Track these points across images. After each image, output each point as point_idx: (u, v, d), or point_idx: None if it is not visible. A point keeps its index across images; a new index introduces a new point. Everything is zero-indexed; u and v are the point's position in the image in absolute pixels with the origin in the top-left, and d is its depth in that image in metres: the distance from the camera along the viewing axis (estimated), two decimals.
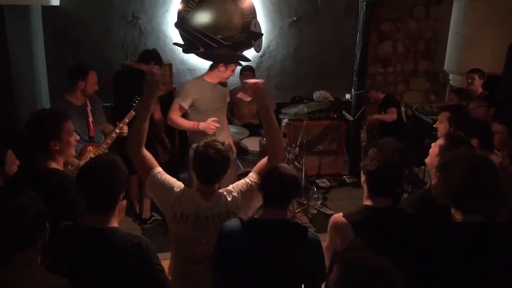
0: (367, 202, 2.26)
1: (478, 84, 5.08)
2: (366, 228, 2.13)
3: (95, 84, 3.81)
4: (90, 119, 3.83)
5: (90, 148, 3.71)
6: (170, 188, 2.41)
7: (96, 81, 3.82)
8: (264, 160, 2.53)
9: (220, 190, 2.46)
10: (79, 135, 3.68)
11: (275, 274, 2.06)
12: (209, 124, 3.86)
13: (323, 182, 5.90)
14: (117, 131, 3.77)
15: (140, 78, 4.45)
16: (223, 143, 2.40)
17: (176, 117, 3.96)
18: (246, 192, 2.45)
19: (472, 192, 1.89)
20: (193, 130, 3.93)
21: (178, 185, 2.44)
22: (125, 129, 3.79)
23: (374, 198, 2.23)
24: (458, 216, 1.97)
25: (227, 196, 2.43)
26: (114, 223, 2.00)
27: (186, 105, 3.98)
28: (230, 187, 2.49)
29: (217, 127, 3.89)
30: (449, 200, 1.97)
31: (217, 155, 2.32)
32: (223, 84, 4.25)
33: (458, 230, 1.94)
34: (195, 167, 2.40)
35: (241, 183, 2.49)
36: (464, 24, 6.19)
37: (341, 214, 2.23)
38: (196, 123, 3.90)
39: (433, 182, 2.06)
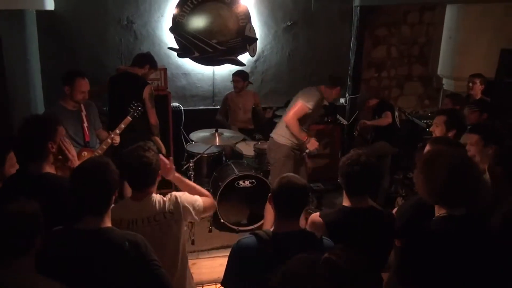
0: (345, 203, 2.37)
1: (478, 89, 5.07)
2: (340, 228, 2.23)
3: (84, 93, 3.75)
4: (85, 124, 3.82)
5: (85, 153, 3.70)
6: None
7: (86, 89, 3.75)
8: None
9: (156, 195, 2.45)
10: (73, 140, 3.70)
11: None
12: (315, 144, 4.29)
13: (318, 186, 5.90)
14: (113, 136, 3.76)
15: (134, 82, 4.46)
16: (147, 147, 2.40)
17: (297, 122, 4.21)
18: (190, 204, 2.48)
19: (456, 186, 1.94)
20: (301, 139, 4.28)
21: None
22: (117, 139, 3.80)
23: (351, 198, 2.35)
24: (441, 212, 2.02)
25: (163, 199, 2.43)
26: (108, 224, 2.02)
27: (311, 106, 4.21)
28: (172, 193, 2.49)
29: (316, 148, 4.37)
30: (434, 197, 2.02)
31: (138, 163, 2.33)
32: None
33: (443, 223, 1.98)
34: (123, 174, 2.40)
35: (189, 196, 2.52)
36: (457, 29, 6.23)
37: (318, 213, 2.35)
38: (308, 137, 4.27)
39: (416, 182, 2.11)
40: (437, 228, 1.98)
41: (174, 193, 2.49)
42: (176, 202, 2.43)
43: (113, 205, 2.37)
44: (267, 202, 4.44)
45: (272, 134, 4.47)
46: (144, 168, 2.34)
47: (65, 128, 3.61)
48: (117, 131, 3.79)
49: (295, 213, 2.17)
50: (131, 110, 3.85)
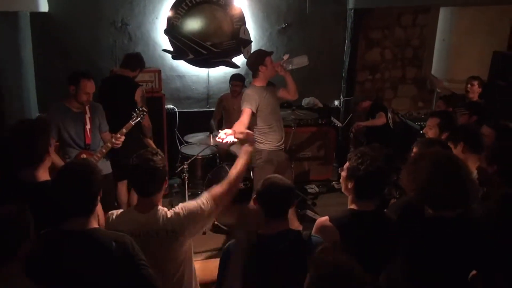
0: (352, 206, 2.30)
1: (476, 92, 5.05)
2: (352, 232, 2.16)
3: (89, 94, 3.70)
4: (88, 126, 3.77)
5: (84, 155, 3.68)
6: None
7: (91, 91, 3.72)
8: (220, 188, 2.53)
9: (163, 208, 2.40)
10: (74, 141, 3.68)
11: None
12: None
13: (312, 188, 5.91)
14: (114, 141, 3.71)
15: (126, 85, 4.44)
16: (155, 151, 2.37)
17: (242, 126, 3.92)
18: (194, 214, 2.37)
19: (437, 187, 1.92)
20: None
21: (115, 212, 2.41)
22: (119, 141, 3.74)
23: (360, 202, 2.27)
24: (429, 213, 1.99)
25: (168, 214, 2.36)
26: (95, 224, 2.01)
27: (254, 108, 4.05)
28: (177, 207, 2.42)
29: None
30: (417, 195, 1.99)
31: (145, 165, 2.28)
32: (272, 83, 4.31)
33: (428, 224, 1.96)
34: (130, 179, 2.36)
35: (191, 204, 2.42)
36: (451, 32, 6.26)
37: (327, 217, 2.26)
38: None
39: (402, 180, 2.09)
40: (425, 229, 1.96)
41: (177, 208, 2.39)
42: (178, 219, 2.34)
43: (116, 213, 2.37)
44: (250, 202, 4.35)
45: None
46: (151, 172, 2.29)
47: (66, 129, 3.67)
48: (118, 135, 3.74)
49: (280, 213, 2.18)
50: (135, 115, 3.80)
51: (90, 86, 3.71)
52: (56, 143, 3.65)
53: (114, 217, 2.36)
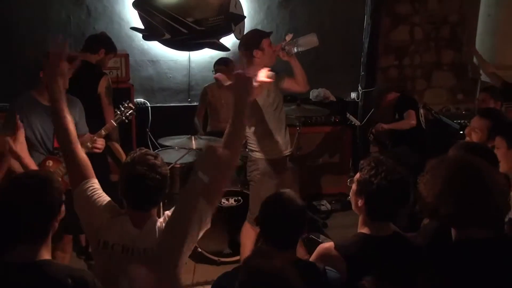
0: (364, 230, 2.32)
1: None
2: (363, 262, 2.18)
3: (64, 78, 3.70)
4: None
5: (50, 162, 3.66)
6: (98, 208, 2.38)
7: (68, 74, 3.70)
8: None
9: (159, 219, 2.41)
10: (39, 143, 3.70)
11: None
12: None
13: (323, 205, 5.90)
14: (89, 145, 3.69)
15: (87, 73, 4.42)
16: (156, 156, 2.37)
17: None
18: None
19: (452, 200, 1.91)
20: None
21: (109, 205, 2.41)
22: (100, 143, 3.73)
23: (373, 224, 2.29)
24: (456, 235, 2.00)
25: (163, 225, 2.37)
26: (47, 256, 1.99)
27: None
28: (166, 214, 2.43)
29: None
30: (431, 210, 2.00)
31: (152, 175, 2.28)
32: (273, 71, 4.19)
33: (452, 249, 1.98)
34: (121, 188, 2.36)
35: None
36: (498, 5, 6.27)
37: (331, 244, 2.27)
38: None
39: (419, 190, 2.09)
40: (448, 255, 1.96)
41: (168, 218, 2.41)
42: None
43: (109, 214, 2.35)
44: (244, 224, 4.35)
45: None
46: (159, 183, 2.29)
47: (31, 126, 3.64)
48: (95, 138, 3.71)
49: (289, 242, 2.16)
50: (118, 113, 3.77)
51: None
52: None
53: (108, 221, 2.35)
